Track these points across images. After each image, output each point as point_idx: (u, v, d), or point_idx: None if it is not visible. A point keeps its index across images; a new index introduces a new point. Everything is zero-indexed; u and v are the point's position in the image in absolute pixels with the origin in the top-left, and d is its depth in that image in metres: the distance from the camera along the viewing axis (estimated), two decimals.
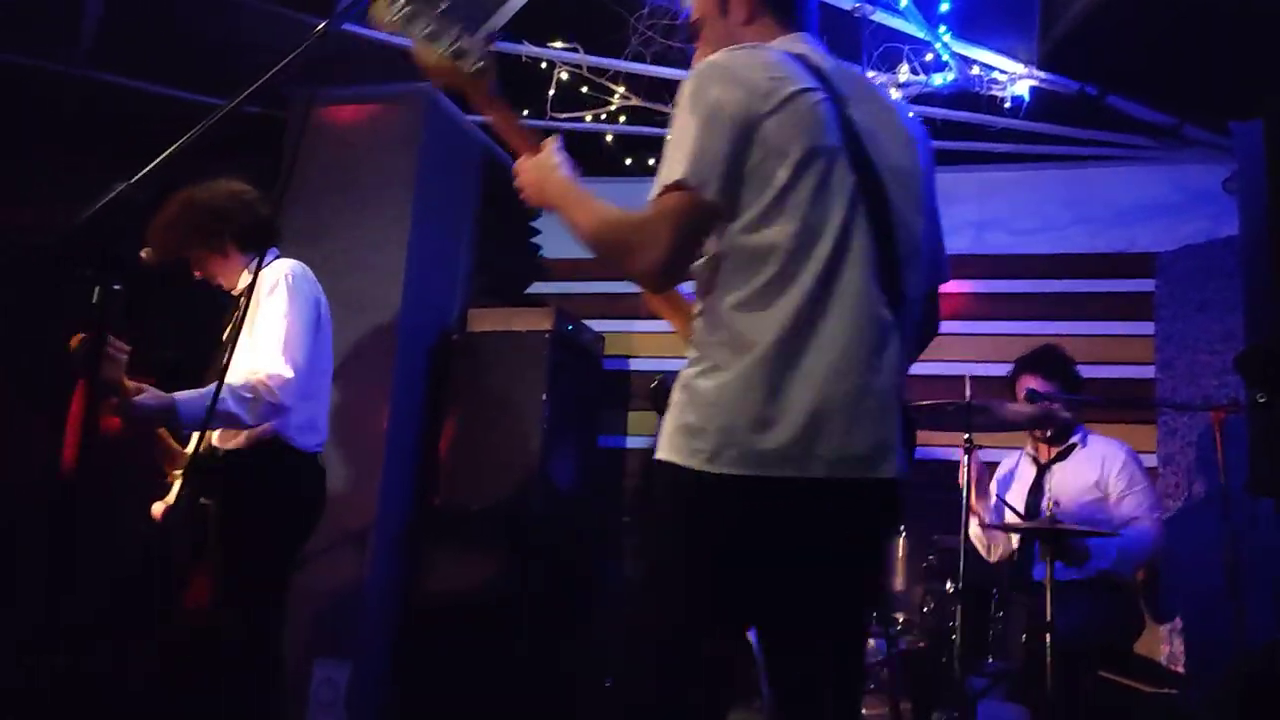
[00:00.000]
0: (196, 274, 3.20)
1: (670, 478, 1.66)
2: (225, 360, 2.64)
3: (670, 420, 1.70)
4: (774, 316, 1.63)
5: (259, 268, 3.09)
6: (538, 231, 5.59)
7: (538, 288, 5.56)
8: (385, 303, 4.46)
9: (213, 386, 2.91)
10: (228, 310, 3.25)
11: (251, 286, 3.05)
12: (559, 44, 4.03)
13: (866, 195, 1.70)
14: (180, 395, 2.86)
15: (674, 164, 1.63)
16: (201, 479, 3.04)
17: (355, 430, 4.32)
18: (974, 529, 3.86)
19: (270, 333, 2.97)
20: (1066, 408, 3.80)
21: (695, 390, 1.67)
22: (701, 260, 1.71)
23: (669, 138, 1.67)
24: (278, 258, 3.21)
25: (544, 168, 1.87)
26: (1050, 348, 3.97)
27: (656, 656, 1.70)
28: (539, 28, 3.93)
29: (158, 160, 1.40)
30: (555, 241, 5.53)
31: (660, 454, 1.70)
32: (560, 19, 3.94)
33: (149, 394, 2.82)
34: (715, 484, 1.61)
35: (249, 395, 2.86)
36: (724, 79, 1.67)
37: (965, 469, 3.46)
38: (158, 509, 3.13)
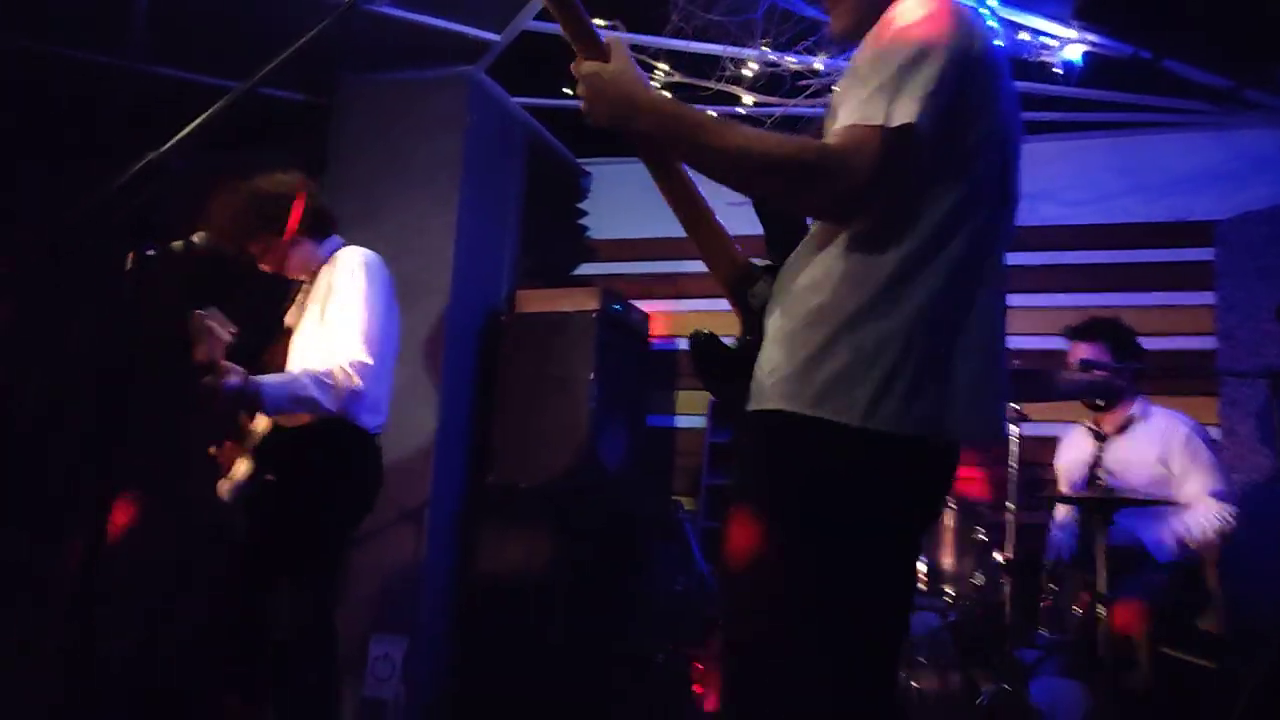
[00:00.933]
0: (261, 264, 3.23)
1: (807, 434, 1.54)
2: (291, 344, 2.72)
3: (797, 369, 1.56)
4: (935, 270, 1.56)
5: (329, 254, 3.19)
6: (584, 213, 5.61)
7: (585, 269, 5.58)
8: (434, 285, 4.51)
9: (296, 371, 2.96)
10: (286, 296, 3.30)
11: (316, 273, 3.16)
12: (600, 21, 4.00)
13: (1005, 163, 1.67)
14: (265, 379, 2.89)
15: (901, 103, 1.49)
16: (265, 455, 3.09)
17: (408, 411, 4.37)
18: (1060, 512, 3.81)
19: (350, 319, 3.00)
20: (1120, 376, 3.70)
21: (838, 340, 1.54)
22: None
23: (879, 65, 1.53)
24: (343, 245, 3.26)
25: (632, 81, 1.64)
26: (1101, 316, 3.88)
27: (793, 649, 1.54)
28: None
29: (188, 130, 1.43)
30: (602, 222, 5.55)
31: (781, 405, 1.56)
32: None
33: (236, 376, 2.85)
34: (873, 441, 1.52)
35: (330, 381, 2.91)
36: (951, 16, 1.57)
37: (1014, 441, 3.41)
38: (224, 487, 3.17)
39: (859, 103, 1.51)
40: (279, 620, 3.06)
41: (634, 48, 4.13)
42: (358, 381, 2.93)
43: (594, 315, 4.57)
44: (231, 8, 4.11)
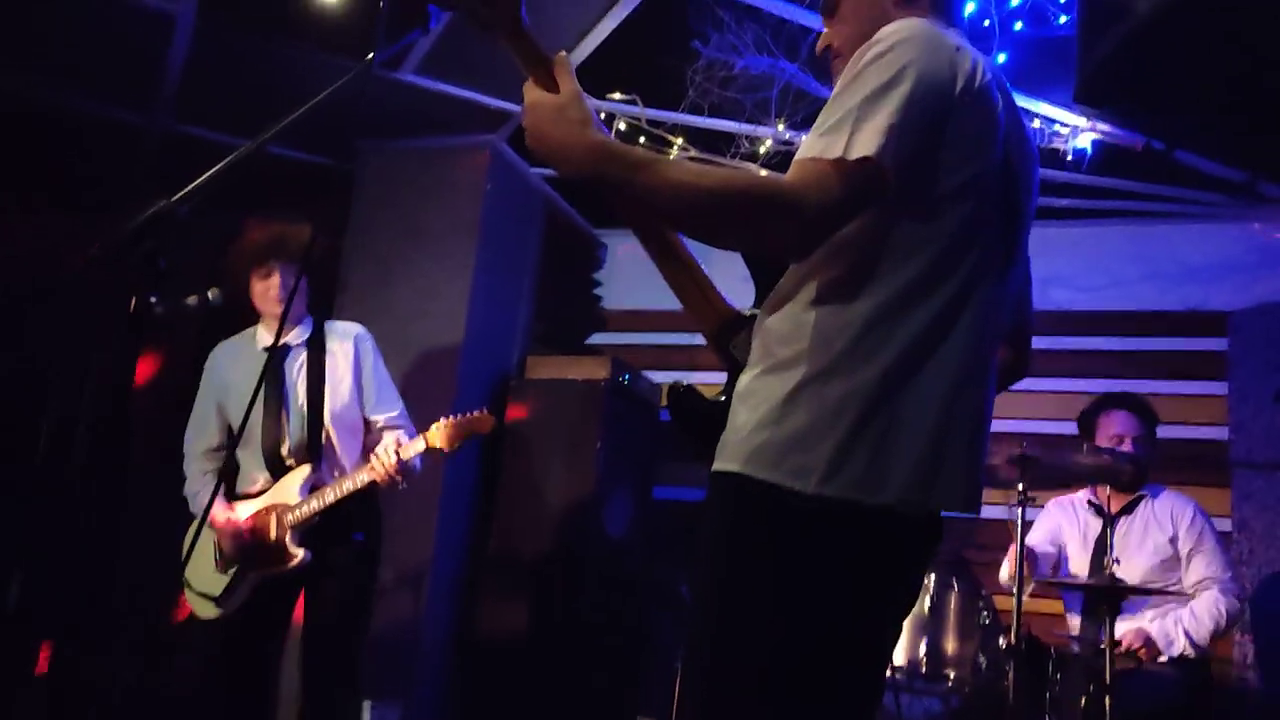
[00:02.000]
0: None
1: (762, 499, 1.45)
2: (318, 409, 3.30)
3: (757, 428, 1.47)
4: (910, 325, 1.46)
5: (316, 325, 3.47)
6: (599, 283, 5.66)
7: (598, 338, 5.61)
8: (446, 349, 4.53)
9: (412, 440, 3.27)
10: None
11: (315, 341, 3.41)
12: (618, 95, 4.10)
13: (1008, 211, 1.57)
14: (410, 458, 3.24)
15: (862, 134, 1.39)
16: (317, 534, 3.28)
17: (415, 473, 4.37)
18: (1005, 572, 3.72)
19: (390, 386, 3.52)
20: (1142, 458, 3.65)
21: (801, 399, 1.46)
22: (825, 245, 1.47)
23: (843, 97, 1.44)
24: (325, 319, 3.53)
25: (568, 119, 1.51)
26: (1132, 393, 3.85)
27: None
28: (598, 80, 4.01)
29: (197, 182, 1.45)
30: (616, 293, 5.59)
31: (739, 468, 1.48)
32: (619, 71, 4.01)
33: (306, 552, 3.22)
34: (829, 510, 1.42)
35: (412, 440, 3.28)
36: (924, 48, 1.47)
37: (1019, 524, 3.36)
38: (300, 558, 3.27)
39: (819, 137, 1.43)
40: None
41: (651, 122, 4.23)
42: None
43: (603, 384, 4.57)
44: (261, 73, 4.21)
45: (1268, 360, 4.45)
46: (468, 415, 3.31)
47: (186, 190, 1.42)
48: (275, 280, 3.32)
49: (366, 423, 3.45)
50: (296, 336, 3.40)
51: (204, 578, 3.32)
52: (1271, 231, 4.64)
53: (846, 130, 1.40)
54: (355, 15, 3.73)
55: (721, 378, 1.69)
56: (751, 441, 1.48)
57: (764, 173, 4.33)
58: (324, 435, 3.33)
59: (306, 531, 3.25)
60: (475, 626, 4.46)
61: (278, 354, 3.35)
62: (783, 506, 1.44)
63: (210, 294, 3.32)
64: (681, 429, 1.69)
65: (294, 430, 3.31)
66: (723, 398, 1.64)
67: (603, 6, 3.74)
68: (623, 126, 4.21)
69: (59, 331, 4.56)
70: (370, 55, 1.77)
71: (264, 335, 3.42)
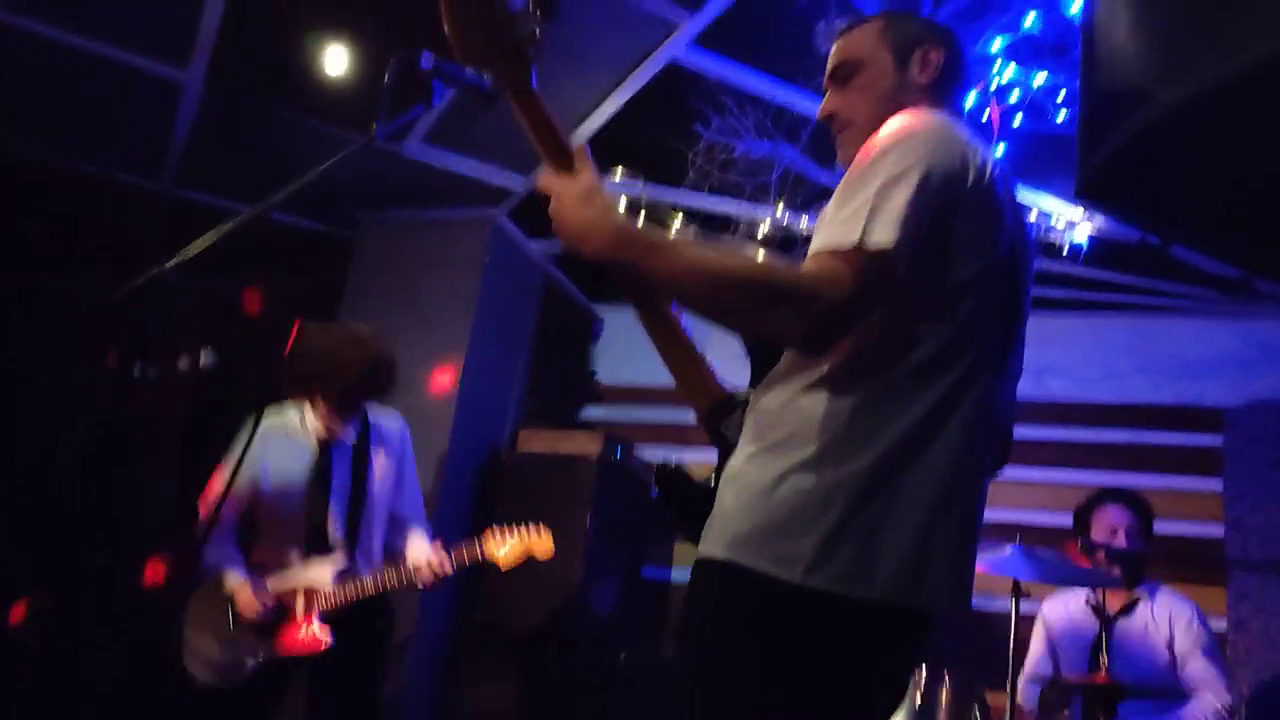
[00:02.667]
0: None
1: (746, 587, 1.42)
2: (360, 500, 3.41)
3: (743, 515, 1.45)
4: (904, 418, 1.45)
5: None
6: (595, 357, 5.65)
7: (591, 413, 5.57)
8: (438, 421, 4.51)
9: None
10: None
11: (363, 434, 3.49)
12: (620, 174, 4.14)
13: (1008, 307, 1.57)
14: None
15: (878, 224, 1.39)
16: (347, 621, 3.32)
17: None
18: (1028, 693, 3.64)
19: (419, 489, 3.67)
20: (1135, 553, 3.59)
21: (789, 486, 1.44)
22: None
23: (858, 186, 1.44)
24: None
25: (595, 204, 1.53)
26: (1127, 489, 3.79)
27: None
28: (600, 157, 4.04)
29: (193, 247, 1.45)
30: (612, 368, 5.57)
31: (724, 554, 1.45)
32: (621, 150, 4.05)
33: (330, 635, 3.24)
34: (814, 601, 1.40)
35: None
36: (938, 141, 1.48)
37: (1013, 617, 3.30)
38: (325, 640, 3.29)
39: (834, 226, 1.42)
40: None
41: (651, 202, 4.26)
42: None
43: (595, 460, 4.54)
44: (266, 142, 4.25)
45: (1263, 458, 4.42)
46: (527, 534, 3.43)
47: (179, 258, 1.41)
48: (352, 412, 3.45)
49: (391, 516, 3.56)
50: (347, 433, 3.46)
51: (213, 646, 3.29)
52: (1267, 329, 4.65)
53: (862, 220, 1.40)
54: (360, 88, 3.78)
55: (714, 455, 1.67)
56: (738, 526, 1.46)
57: (766, 257, 4.34)
58: (360, 527, 3.41)
59: (334, 617, 3.29)
60: (458, 704, 4.37)
61: (328, 445, 3.43)
62: (767, 595, 1.42)
63: (202, 357, 3.33)
64: (668, 509, 1.66)
65: (335, 517, 3.37)
66: (711, 479, 1.61)
67: (608, 86, 3.80)
68: (623, 205, 4.24)
69: (45, 392, 4.55)
70: (373, 128, 1.77)
71: (313, 421, 3.43)
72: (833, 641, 1.43)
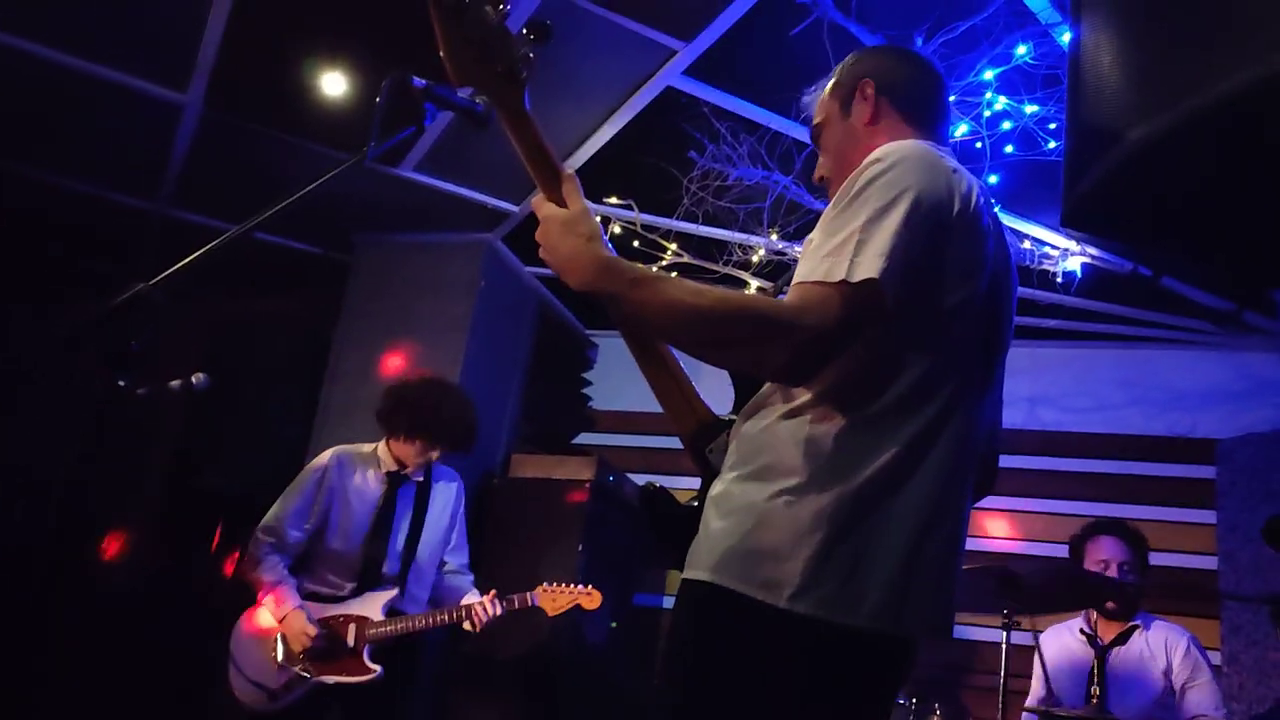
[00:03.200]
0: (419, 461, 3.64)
1: (731, 610, 1.42)
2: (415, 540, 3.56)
3: (728, 538, 1.45)
4: (890, 443, 1.45)
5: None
6: (589, 383, 5.65)
7: (585, 438, 5.57)
8: None
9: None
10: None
11: (426, 478, 3.66)
12: (614, 200, 4.15)
13: (990, 335, 1.58)
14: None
15: (864, 256, 1.39)
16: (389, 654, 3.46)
17: None
18: None
19: (466, 540, 3.81)
20: (1128, 585, 3.57)
21: (774, 510, 1.43)
22: None
23: (844, 217, 1.45)
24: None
25: (578, 234, 1.54)
26: (1122, 519, 3.78)
27: None
28: (595, 184, 4.06)
29: (177, 267, 1.45)
30: (606, 394, 5.57)
31: (709, 576, 1.45)
32: (616, 176, 4.07)
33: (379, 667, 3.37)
34: (798, 625, 1.39)
35: None
36: (923, 170, 1.49)
37: (1004, 647, 3.27)
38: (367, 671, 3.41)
39: (819, 258, 1.42)
40: None
41: (645, 227, 4.28)
42: None
43: (588, 485, 4.52)
44: (263, 164, 4.27)
45: (1255, 490, 4.42)
46: (577, 590, 3.55)
47: (163, 275, 1.41)
48: (434, 456, 3.62)
49: (442, 562, 3.74)
50: (417, 473, 3.65)
51: (260, 668, 3.38)
52: (1259, 361, 4.66)
53: (849, 253, 1.40)
54: (357, 112, 3.80)
55: None
56: (722, 550, 1.46)
57: (755, 287, 4.39)
58: (413, 564, 3.56)
59: (377, 648, 3.41)
60: None
61: (398, 481, 3.61)
62: (752, 618, 1.41)
63: (195, 378, 3.32)
64: (653, 531, 1.66)
65: (392, 552, 3.51)
66: (695, 502, 1.61)
67: (602, 114, 3.82)
68: (618, 230, 4.25)
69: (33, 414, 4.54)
70: (365, 149, 1.78)
71: (387, 459, 3.63)
72: (816, 667, 1.43)
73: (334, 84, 3.77)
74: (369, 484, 3.58)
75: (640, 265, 1.55)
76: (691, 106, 3.70)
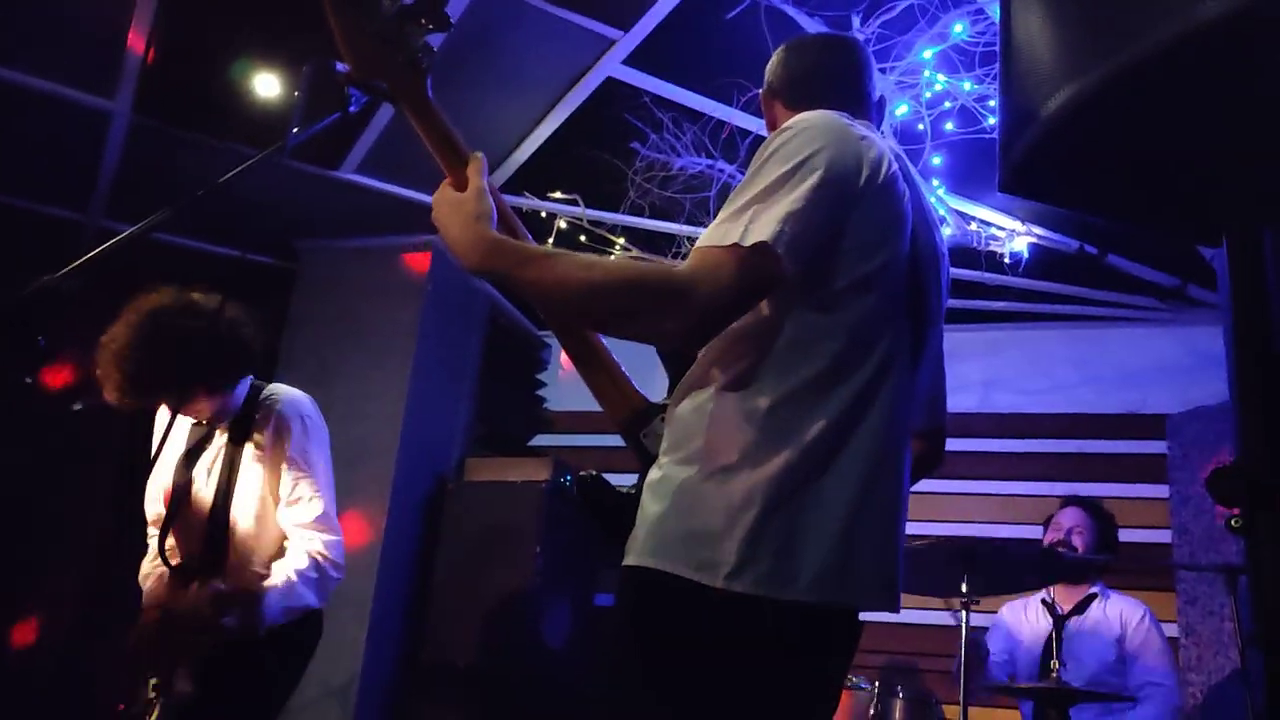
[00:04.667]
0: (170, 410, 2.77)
1: (671, 594, 1.40)
2: (226, 504, 2.68)
3: (665, 522, 1.43)
4: (818, 416, 1.43)
5: (242, 397, 2.83)
6: (543, 384, 5.59)
7: (542, 440, 5.51)
8: (382, 451, 4.43)
9: (290, 579, 2.67)
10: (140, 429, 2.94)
11: (245, 420, 2.79)
12: (559, 195, 4.11)
13: (916, 302, 1.58)
14: (264, 609, 2.60)
15: (759, 222, 1.39)
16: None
17: (345, 579, 4.21)
18: None
19: (315, 495, 2.76)
20: (1080, 548, 3.64)
21: (707, 491, 1.42)
22: (725, 335, 1.46)
23: (747, 186, 1.44)
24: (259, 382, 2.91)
25: (465, 214, 1.54)
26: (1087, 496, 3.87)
27: None
28: (539, 180, 4.03)
29: (86, 257, 1.39)
30: (561, 394, 5.53)
31: (648, 561, 1.42)
32: (559, 171, 4.03)
33: (231, 617, 2.59)
34: (739, 605, 1.37)
35: (316, 575, 2.70)
36: (829, 138, 1.48)
37: (963, 628, 3.27)
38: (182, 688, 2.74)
39: (717, 224, 1.43)
40: None
41: (592, 222, 4.24)
42: (340, 567, 2.74)
43: (543, 486, 4.46)
44: (194, 169, 4.19)
45: (1205, 463, 4.46)
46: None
47: (70, 267, 1.36)
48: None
49: None
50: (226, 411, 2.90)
51: None
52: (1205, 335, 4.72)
53: (745, 218, 1.40)
54: (285, 110, 3.73)
55: None
56: (659, 534, 1.44)
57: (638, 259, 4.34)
58: None
59: None
60: None
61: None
62: (692, 601, 1.39)
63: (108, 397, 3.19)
64: (592, 519, 1.63)
65: None
66: (635, 490, 1.59)
67: (542, 108, 3.78)
68: (564, 226, 4.21)
69: None
70: (286, 135, 1.72)
71: None
72: (761, 645, 1.41)
73: (267, 85, 3.70)
74: None
75: (531, 245, 1.54)
76: (633, 97, 3.67)
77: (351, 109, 1.80)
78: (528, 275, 1.46)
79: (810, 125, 1.50)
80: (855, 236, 1.48)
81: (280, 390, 2.91)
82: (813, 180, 1.43)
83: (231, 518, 2.76)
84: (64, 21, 3.43)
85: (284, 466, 2.77)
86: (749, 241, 1.38)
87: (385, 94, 1.68)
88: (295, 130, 1.75)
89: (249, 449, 2.80)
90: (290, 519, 2.76)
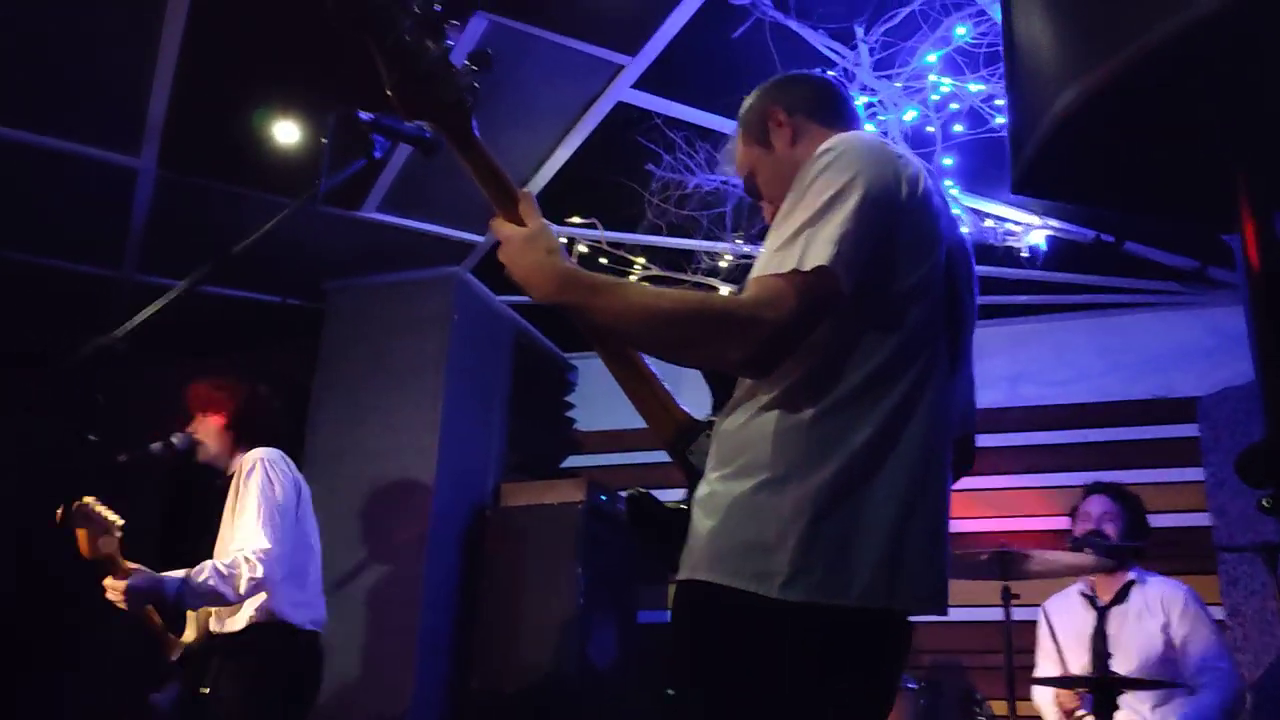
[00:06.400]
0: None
1: (727, 606, 1.44)
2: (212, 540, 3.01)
3: (717, 536, 1.47)
4: (863, 426, 1.47)
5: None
6: (572, 405, 5.64)
7: (574, 461, 5.56)
8: (418, 483, 4.48)
9: (199, 566, 3.01)
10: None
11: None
12: (577, 219, 4.17)
13: (952, 313, 1.61)
14: (167, 576, 2.99)
15: (815, 245, 1.42)
16: (198, 666, 3.14)
17: (389, 612, 4.28)
18: (1041, 696, 3.62)
19: (248, 510, 3.14)
20: (1113, 536, 3.62)
21: (758, 503, 1.46)
22: None
23: (795, 212, 1.48)
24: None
25: (538, 249, 1.59)
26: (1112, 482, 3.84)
27: None
28: (557, 205, 4.07)
29: (139, 318, 1.45)
30: (590, 415, 5.57)
31: (702, 575, 1.47)
32: (577, 196, 4.09)
33: (140, 575, 2.96)
34: (792, 614, 1.41)
35: (231, 570, 2.99)
36: (869, 158, 1.52)
37: (1006, 623, 3.29)
38: (157, 698, 3.13)
39: (771, 253, 1.47)
40: None
41: (611, 244, 4.29)
42: (260, 569, 3.01)
43: (580, 506, 4.51)
44: (222, 220, 4.28)
45: (1238, 444, 4.45)
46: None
47: (125, 326, 1.42)
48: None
49: None
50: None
51: None
52: (1228, 316, 4.71)
53: (800, 243, 1.44)
54: (309, 157, 3.81)
55: None
56: (713, 549, 1.48)
57: (725, 291, 4.41)
58: None
59: None
60: None
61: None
62: (749, 611, 1.43)
63: (175, 439, 3.34)
64: (640, 537, 1.67)
65: None
66: (683, 506, 1.62)
67: (556, 136, 3.85)
68: (584, 249, 4.27)
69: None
70: (316, 184, 1.79)
71: None
72: (817, 652, 1.44)
73: (287, 133, 3.78)
74: None
75: (601, 274, 1.58)
76: (644, 119, 3.72)
77: (376, 154, 1.87)
78: (600, 304, 1.52)
79: (851, 146, 1.55)
80: (899, 251, 1.52)
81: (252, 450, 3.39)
82: (859, 199, 1.47)
83: None
84: (86, 84, 3.52)
85: (237, 498, 3.27)
86: (808, 265, 1.42)
87: (415, 140, 1.73)
88: (324, 178, 1.82)
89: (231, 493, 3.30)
90: (231, 535, 3.19)
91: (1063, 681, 3.52)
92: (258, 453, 3.31)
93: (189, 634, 3.21)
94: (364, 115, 1.78)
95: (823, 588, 1.42)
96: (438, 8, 1.56)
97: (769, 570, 1.42)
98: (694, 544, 1.52)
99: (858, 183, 1.49)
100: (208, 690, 3.07)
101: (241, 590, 2.99)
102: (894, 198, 1.52)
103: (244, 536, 3.09)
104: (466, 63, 1.66)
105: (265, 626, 3.13)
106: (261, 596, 3.11)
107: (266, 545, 3.06)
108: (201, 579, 2.96)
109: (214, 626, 3.18)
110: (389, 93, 1.60)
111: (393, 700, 4.15)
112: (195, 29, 3.27)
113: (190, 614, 3.20)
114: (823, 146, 1.56)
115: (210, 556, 3.12)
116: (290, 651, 3.18)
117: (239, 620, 3.14)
